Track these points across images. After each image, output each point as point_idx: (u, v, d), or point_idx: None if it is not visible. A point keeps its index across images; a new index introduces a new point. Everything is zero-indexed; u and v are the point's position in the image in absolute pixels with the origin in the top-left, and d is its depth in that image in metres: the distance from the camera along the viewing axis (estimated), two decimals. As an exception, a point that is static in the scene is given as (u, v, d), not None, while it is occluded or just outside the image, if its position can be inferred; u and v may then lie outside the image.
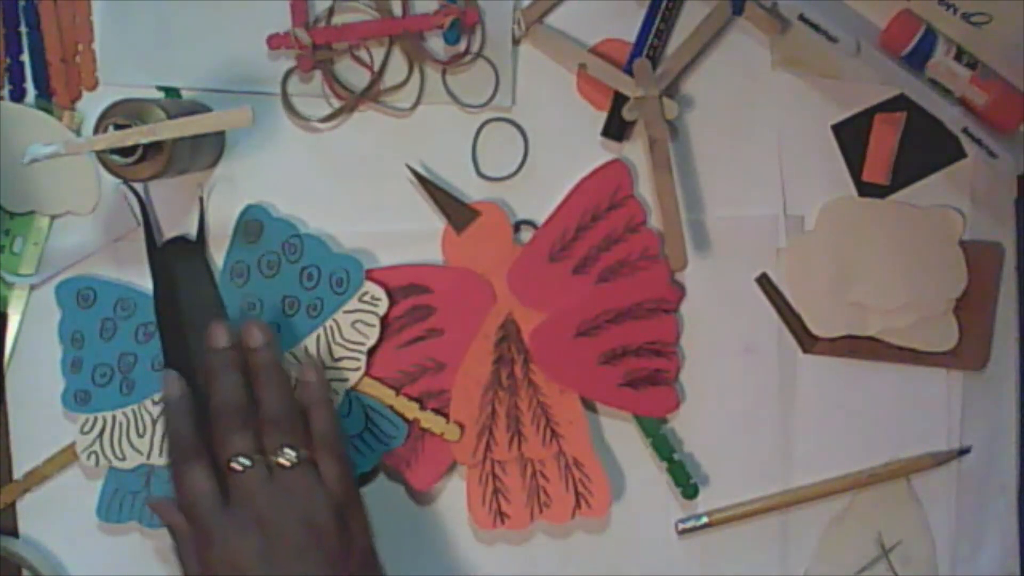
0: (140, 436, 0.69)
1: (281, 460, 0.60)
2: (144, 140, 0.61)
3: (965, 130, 0.62)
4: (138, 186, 0.69)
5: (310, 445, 0.61)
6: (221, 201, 0.69)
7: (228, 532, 0.59)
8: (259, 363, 0.62)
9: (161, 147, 0.63)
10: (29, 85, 0.69)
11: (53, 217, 0.70)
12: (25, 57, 0.69)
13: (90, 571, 0.71)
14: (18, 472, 0.71)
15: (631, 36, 0.67)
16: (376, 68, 0.67)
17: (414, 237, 0.68)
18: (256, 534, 0.58)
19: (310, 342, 0.68)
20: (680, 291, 0.68)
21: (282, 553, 0.58)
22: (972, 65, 0.63)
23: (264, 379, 0.62)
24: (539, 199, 0.68)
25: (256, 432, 0.61)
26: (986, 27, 0.62)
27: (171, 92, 0.69)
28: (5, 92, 0.69)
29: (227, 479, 0.60)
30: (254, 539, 0.58)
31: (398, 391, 0.68)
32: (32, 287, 0.70)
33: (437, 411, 0.68)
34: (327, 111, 0.68)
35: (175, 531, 0.61)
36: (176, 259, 0.69)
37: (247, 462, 0.59)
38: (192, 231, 0.69)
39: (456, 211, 0.68)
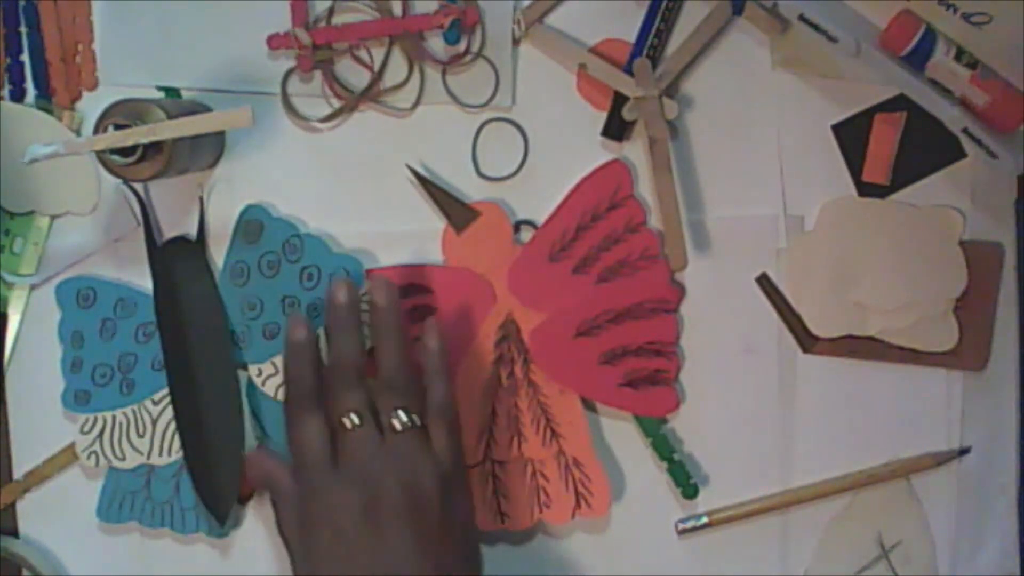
0: (140, 436, 0.69)
1: (394, 422, 0.60)
2: (144, 140, 0.61)
3: (965, 130, 0.62)
4: (138, 186, 0.69)
5: (424, 412, 0.61)
6: (221, 201, 0.69)
7: (332, 488, 0.59)
8: (381, 323, 0.62)
9: (161, 147, 0.63)
10: (29, 85, 0.69)
11: (53, 217, 0.70)
12: (25, 57, 0.69)
13: (90, 571, 0.71)
14: (18, 472, 0.71)
15: (631, 36, 0.67)
16: (376, 68, 0.67)
17: (414, 237, 0.68)
18: (359, 492, 0.58)
19: (310, 342, 0.68)
20: (680, 291, 0.68)
21: (383, 515, 0.58)
22: (972, 65, 0.63)
23: (385, 340, 0.62)
24: (539, 199, 0.68)
25: (371, 391, 0.61)
26: (986, 27, 0.62)
27: (171, 92, 0.69)
28: (5, 92, 0.69)
29: (337, 435, 0.60)
30: (357, 497, 0.58)
31: (398, 391, 0.68)
32: (32, 287, 0.70)
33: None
34: (327, 111, 0.68)
35: (277, 485, 0.61)
36: (176, 259, 0.69)
37: (358, 420, 0.59)
38: (192, 231, 0.69)
39: (456, 211, 0.68)
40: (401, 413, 0.60)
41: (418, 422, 0.60)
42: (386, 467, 0.59)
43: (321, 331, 0.65)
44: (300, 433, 0.60)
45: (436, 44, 0.68)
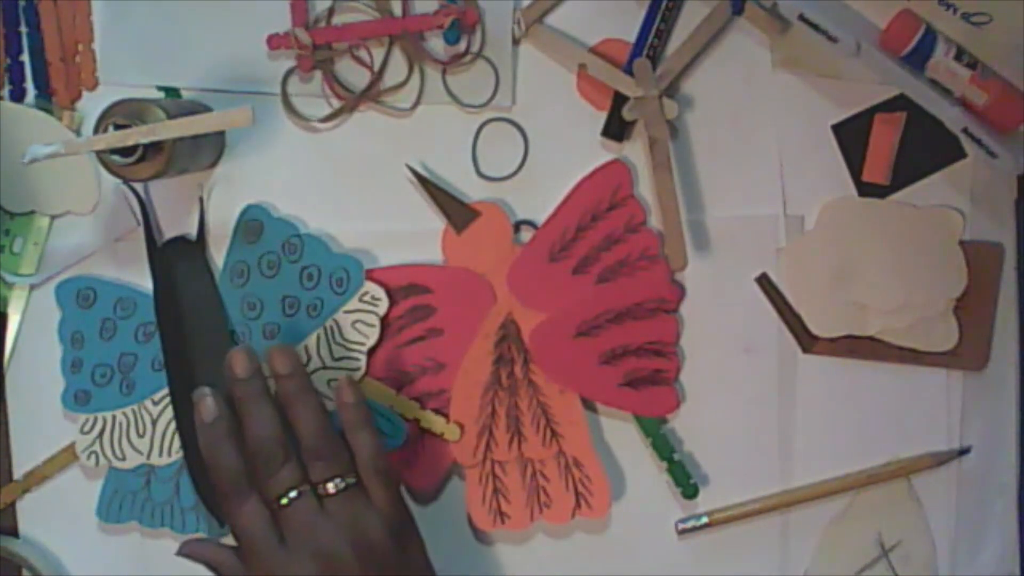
0: (140, 436, 0.69)
1: (330, 490, 0.60)
2: (144, 140, 0.61)
3: (965, 130, 0.62)
4: (138, 186, 0.69)
5: (355, 469, 0.61)
6: (221, 201, 0.69)
7: (285, 566, 0.58)
8: (290, 391, 0.61)
9: (161, 147, 0.63)
10: (29, 85, 0.69)
11: (53, 217, 0.70)
12: (25, 57, 0.69)
13: (90, 571, 0.71)
14: (18, 472, 0.71)
15: (631, 36, 0.67)
16: (376, 68, 0.67)
17: (414, 237, 0.68)
18: (313, 565, 0.58)
19: (310, 342, 0.68)
20: (680, 291, 0.68)
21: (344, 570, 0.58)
22: (972, 65, 0.63)
23: (298, 407, 0.61)
24: (539, 199, 0.68)
25: (299, 463, 0.60)
26: (986, 27, 0.62)
27: (171, 92, 0.69)
28: (5, 92, 0.69)
29: (277, 514, 0.59)
30: (312, 570, 0.58)
31: (398, 391, 0.68)
32: (32, 287, 0.70)
33: (437, 411, 0.68)
34: (327, 111, 0.68)
35: (223, 570, 0.61)
36: (176, 259, 0.69)
37: (295, 494, 0.59)
38: (192, 231, 0.69)
39: (456, 211, 0.68)
40: (335, 480, 0.60)
41: (353, 482, 0.60)
42: (333, 534, 0.58)
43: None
44: (240, 519, 0.59)
45: (436, 44, 0.68)
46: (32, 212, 0.70)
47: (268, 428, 0.60)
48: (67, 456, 0.70)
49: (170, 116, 0.62)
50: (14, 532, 0.71)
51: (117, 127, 0.61)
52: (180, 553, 0.63)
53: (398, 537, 0.60)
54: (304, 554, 0.58)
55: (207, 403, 0.61)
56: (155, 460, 0.69)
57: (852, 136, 0.68)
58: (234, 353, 0.61)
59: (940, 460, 0.68)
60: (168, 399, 0.68)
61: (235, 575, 0.60)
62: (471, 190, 0.69)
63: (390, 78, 0.68)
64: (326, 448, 0.60)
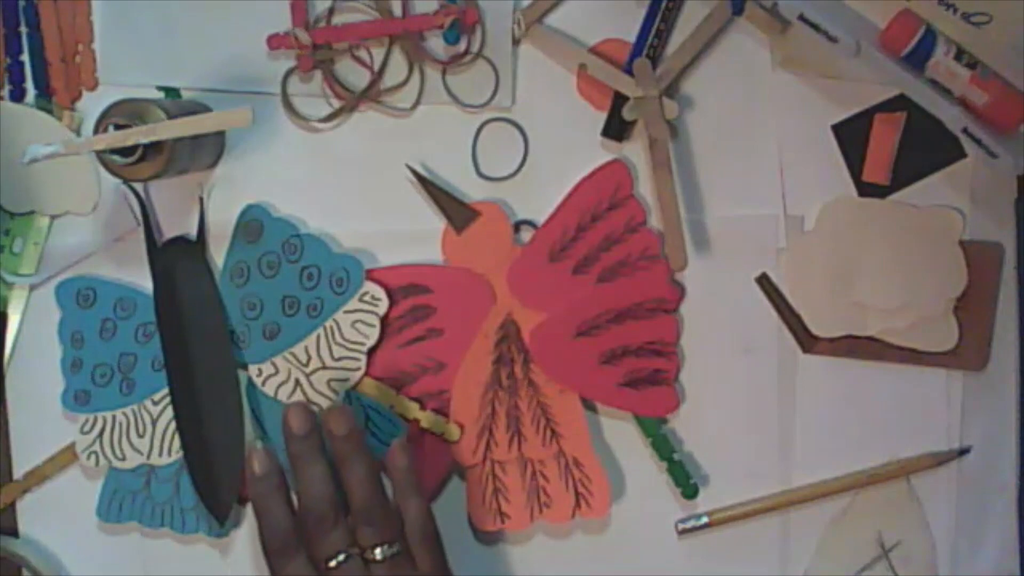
0: (140, 436, 0.69)
1: (377, 556, 0.59)
2: (144, 140, 0.61)
3: (965, 130, 0.62)
4: (138, 186, 0.69)
5: (403, 535, 0.60)
6: (221, 201, 0.69)
7: None
8: (344, 452, 0.61)
9: (161, 147, 0.63)
10: (29, 85, 0.69)
11: (53, 217, 0.70)
12: (25, 57, 0.69)
13: (90, 571, 0.71)
14: (18, 472, 0.71)
15: (631, 36, 0.67)
16: (376, 68, 0.67)
17: (414, 237, 0.68)
18: None
19: (310, 342, 0.68)
20: (680, 291, 0.68)
21: None
22: (972, 65, 0.63)
23: (351, 469, 0.61)
24: (539, 199, 0.68)
25: (348, 526, 0.60)
26: (986, 27, 0.62)
27: (171, 92, 0.69)
28: (5, 92, 0.69)
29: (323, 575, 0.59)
30: None
31: (398, 391, 0.68)
32: (32, 287, 0.70)
33: (437, 411, 0.68)
34: (327, 111, 0.68)
35: None
36: (176, 259, 0.69)
37: (343, 558, 0.59)
38: (192, 231, 0.69)
39: (456, 211, 0.68)
40: (383, 547, 0.59)
41: (400, 550, 0.60)
42: None
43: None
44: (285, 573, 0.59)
45: (436, 44, 0.68)
46: (32, 212, 0.70)
47: (321, 488, 0.60)
48: (67, 456, 0.70)
49: (170, 116, 0.62)
50: (14, 532, 0.71)
51: (117, 127, 0.61)
52: None
53: None
54: None
55: (259, 457, 0.61)
56: (155, 460, 0.69)
57: (852, 136, 0.68)
58: (291, 409, 0.61)
59: (940, 460, 0.68)
60: (168, 399, 0.68)
61: None
62: (471, 190, 0.69)
63: (390, 78, 0.68)
64: (377, 513, 0.60)
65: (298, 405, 0.62)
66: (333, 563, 0.59)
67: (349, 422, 0.61)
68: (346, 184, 0.69)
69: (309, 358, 0.68)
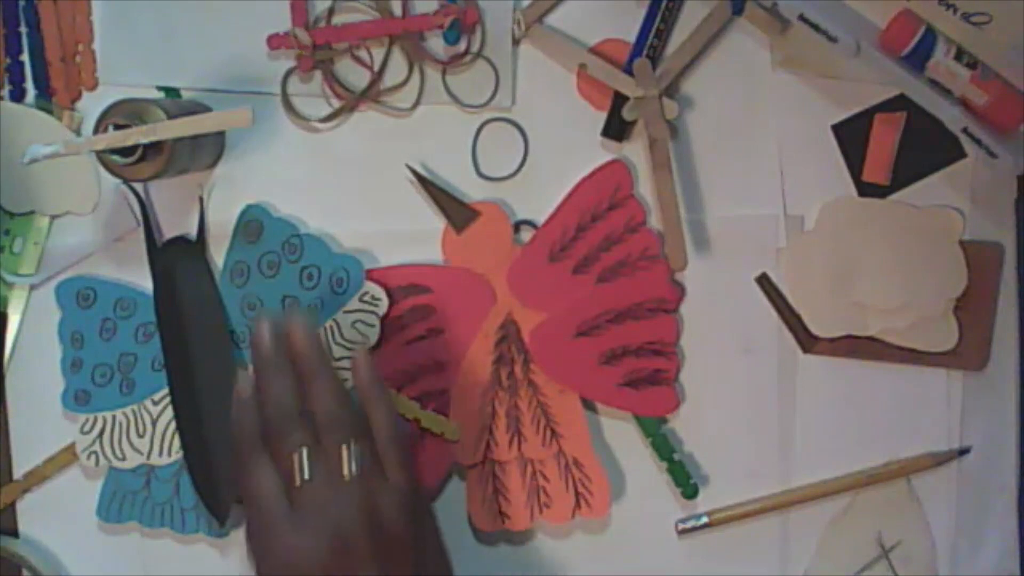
0: (140, 436, 0.69)
1: (343, 459, 0.57)
2: (144, 140, 0.61)
3: (965, 130, 0.62)
4: (138, 186, 0.69)
5: (371, 443, 0.59)
6: (221, 201, 0.69)
7: (293, 536, 0.56)
8: (306, 363, 0.60)
9: (161, 147, 0.63)
10: (29, 85, 0.69)
11: (53, 217, 0.70)
12: (25, 57, 0.69)
13: (90, 571, 0.71)
14: (18, 472, 0.71)
15: (631, 36, 0.67)
16: (376, 68, 0.67)
17: (414, 237, 0.68)
18: (324, 539, 0.55)
19: (310, 342, 0.68)
20: (680, 291, 0.68)
21: (352, 559, 0.55)
22: (972, 65, 0.63)
23: (315, 379, 0.59)
24: (539, 199, 0.68)
25: (314, 433, 0.58)
26: (986, 27, 0.62)
27: (171, 92, 0.69)
28: (5, 92, 0.69)
29: (291, 483, 0.57)
30: (322, 544, 0.55)
31: (398, 391, 0.68)
32: (32, 287, 0.70)
33: (437, 411, 0.68)
34: (327, 111, 0.68)
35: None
36: (176, 259, 0.69)
37: (306, 455, 0.57)
38: (192, 231, 0.69)
39: (456, 211, 0.68)
40: (349, 449, 0.57)
41: (367, 454, 0.58)
42: (347, 509, 0.56)
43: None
44: (251, 480, 0.57)
45: (436, 44, 0.68)
46: (32, 212, 0.70)
47: (285, 396, 0.59)
48: (67, 456, 0.70)
49: (170, 116, 0.62)
50: (14, 532, 0.71)
51: (117, 127, 0.61)
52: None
53: (412, 516, 0.58)
54: (314, 527, 0.56)
55: (246, 381, 0.60)
56: (155, 460, 0.69)
57: (852, 136, 0.68)
58: (258, 322, 0.60)
59: (940, 460, 0.68)
60: (168, 399, 0.68)
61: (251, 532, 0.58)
62: (471, 190, 0.69)
63: (390, 78, 0.68)
64: (341, 419, 0.58)
65: (265, 320, 0.60)
66: (296, 459, 0.57)
67: (310, 332, 0.60)
68: (346, 184, 0.69)
69: (309, 358, 0.68)
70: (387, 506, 0.57)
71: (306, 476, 0.57)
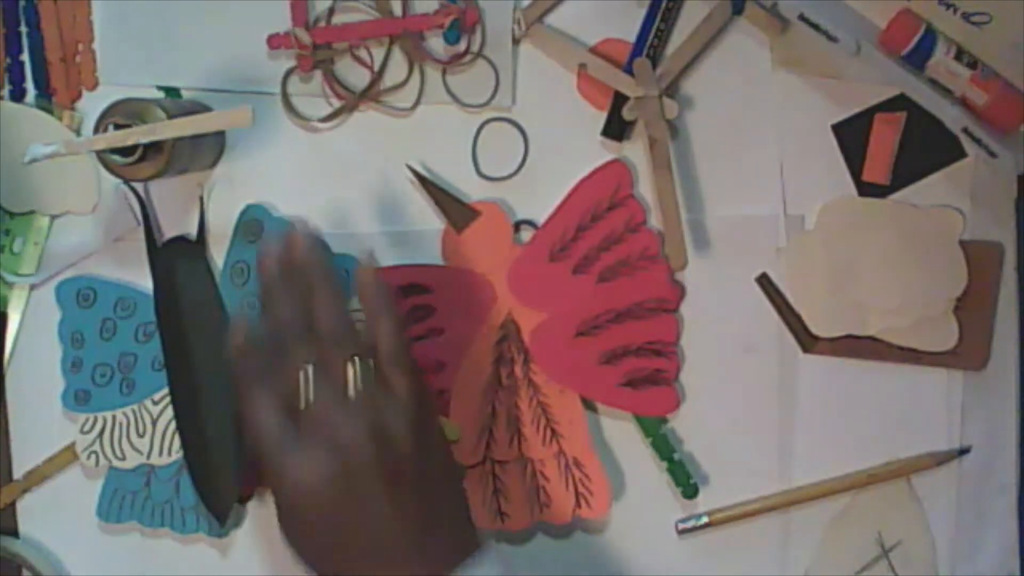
0: (140, 436, 0.69)
1: (349, 375, 0.56)
2: (144, 140, 0.61)
3: (965, 130, 0.62)
4: (138, 186, 0.69)
5: (376, 357, 0.57)
6: (221, 201, 0.69)
7: (299, 461, 0.54)
8: (309, 276, 0.58)
9: (161, 147, 0.63)
10: (29, 85, 0.69)
11: (53, 217, 0.70)
12: (25, 57, 0.69)
13: (90, 571, 0.71)
14: (18, 472, 0.71)
15: (631, 36, 0.67)
16: (376, 68, 0.67)
17: (414, 237, 0.68)
18: (332, 461, 0.54)
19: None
20: (680, 291, 0.68)
21: (360, 480, 0.54)
22: (972, 65, 0.63)
23: (317, 293, 0.58)
24: (539, 199, 0.68)
25: (319, 350, 0.57)
26: (986, 27, 0.62)
27: (171, 92, 0.69)
28: (5, 92, 0.69)
29: (295, 407, 0.56)
30: (329, 465, 0.54)
31: (398, 391, 0.68)
32: (32, 287, 0.70)
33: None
34: (327, 111, 0.68)
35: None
36: (176, 259, 0.69)
37: (311, 373, 0.56)
38: (192, 231, 0.69)
39: (456, 211, 0.68)
40: (353, 363, 0.56)
41: (372, 369, 0.56)
42: (353, 428, 0.55)
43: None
44: (253, 412, 0.56)
45: (436, 44, 0.68)
46: (32, 212, 0.70)
47: (288, 311, 0.58)
48: (67, 456, 0.70)
49: (170, 116, 0.62)
50: (14, 532, 0.71)
51: (117, 127, 0.61)
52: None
53: (419, 432, 0.56)
54: (320, 450, 0.54)
55: (242, 327, 0.59)
56: (155, 460, 0.69)
57: (852, 136, 0.68)
58: (264, 242, 0.59)
59: (940, 460, 0.68)
60: (168, 399, 0.68)
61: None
62: (471, 190, 0.69)
63: (390, 78, 0.68)
64: (345, 334, 0.57)
65: (270, 240, 0.60)
66: (303, 377, 0.56)
67: (314, 249, 0.59)
68: (346, 184, 0.69)
69: (309, 358, 0.68)
70: (393, 423, 0.56)
71: (311, 397, 0.56)
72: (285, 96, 0.68)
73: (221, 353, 0.68)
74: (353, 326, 0.58)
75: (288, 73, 0.68)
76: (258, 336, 0.58)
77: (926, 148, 0.67)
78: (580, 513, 0.68)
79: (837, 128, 0.68)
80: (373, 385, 0.56)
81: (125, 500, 0.70)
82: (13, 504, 0.71)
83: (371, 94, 0.68)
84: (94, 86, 0.69)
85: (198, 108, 0.67)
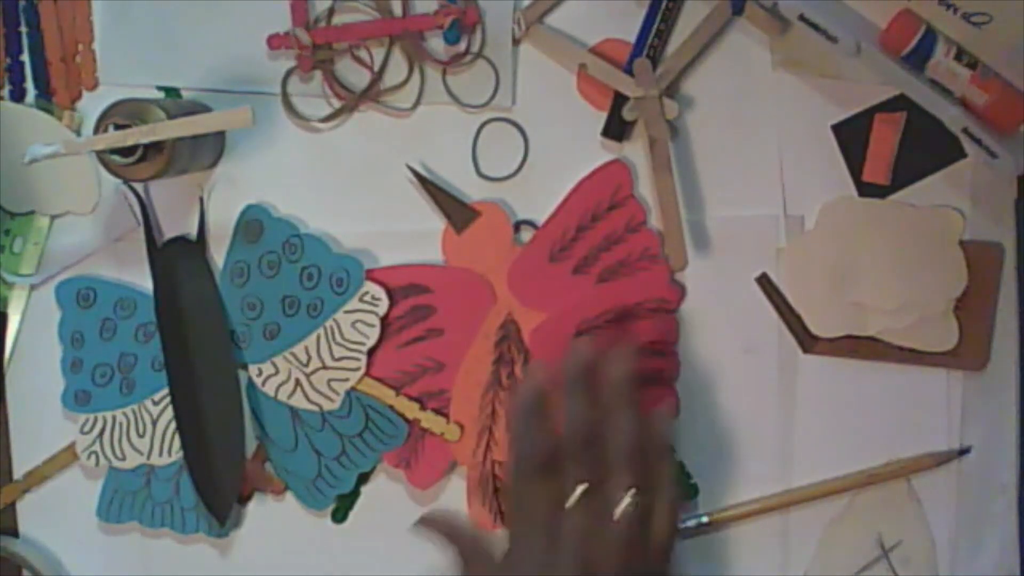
0: (140, 436, 0.69)
1: (621, 504, 0.56)
2: (144, 140, 0.61)
3: (965, 130, 0.62)
4: (138, 186, 0.69)
5: (652, 495, 0.57)
6: (221, 201, 0.69)
7: (544, 560, 0.55)
8: (616, 395, 0.58)
9: (161, 147, 0.63)
10: (29, 85, 0.69)
11: (53, 217, 0.70)
12: (25, 57, 0.69)
13: (90, 571, 0.71)
14: (18, 472, 0.71)
15: (631, 36, 0.67)
16: (376, 68, 0.67)
17: (414, 237, 0.68)
18: (574, 566, 0.55)
19: (310, 342, 0.68)
20: (680, 291, 0.68)
21: None
22: (972, 65, 0.63)
23: (620, 413, 0.58)
24: (539, 199, 0.68)
25: (599, 467, 0.57)
26: (986, 27, 0.62)
27: (171, 92, 0.69)
28: (5, 92, 0.69)
29: (560, 506, 0.56)
30: (570, 570, 0.55)
31: (398, 391, 0.68)
32: (32, 287, 0.70)
33: (437, 411, 0.68)
34: (327, 111, 0.68)
35: (461, 548, 0.59)
36: (176, 259, 0.69)
37: (582, 491, 0.56)
38: (192, 231, 0.69)
39: (456, 211, 0.68)
40: (631, 493, 0.56)
41: (642, 503, 0.56)
42: (604, 545, 0.55)
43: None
44: (525, 497, 0.57)
45: (436, 44, 0.68)
46: (32, 212, 0.70)
47: (583, 419, 0.57)
48: (67, 456, 0.70)
49: (170, 116, 0.62)
50: (14, 532, 0.71)
51: (117, 127, 0.61)
52: (418, 524, 0.60)
53: (664, 571, 0.57)
54: (567, 552, 0.55)
55: (532, 387, 0.59)
56: (155, 460, 0.69)
57: (852, 136, 0.68)
58: (579, 342, 0.59)
59: (940, 460, 0.68)
60: (168, 399, 0.68)
61: (476, 558, 0.57)
62: (471, 190, 0.69)
63: (390, 78, 0.68)
64: (634, 459, 0.57)
65: (584, 342, 0.59)
66: (574, 497, 0.56)
67: (628, 367, 0.59)
68: (346, 184, 0.69)
69: (309, 358, 0.68)
70: (642, 562, 0.56)
71: (575, 509, 0.56)
72: (285, 96, 0.68)
73: (221, 353, 0.68)
74: (641, 455, 0.57)
75: (288, 73, 0.68)
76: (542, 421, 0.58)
77: (926, 148, 0.67)
78: (580, 513, 0.68)
79: (837, 128, 0.68)
80: (637, 519, 0.56)
81: (125, 500, 0.70)
82: (13, 504, 0.71)
83: (371, 94, 0.68)
84: (94, 86, 0.69)
85: (198, 108, 0.67)
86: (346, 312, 0.67)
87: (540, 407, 0.58)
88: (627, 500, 0.56)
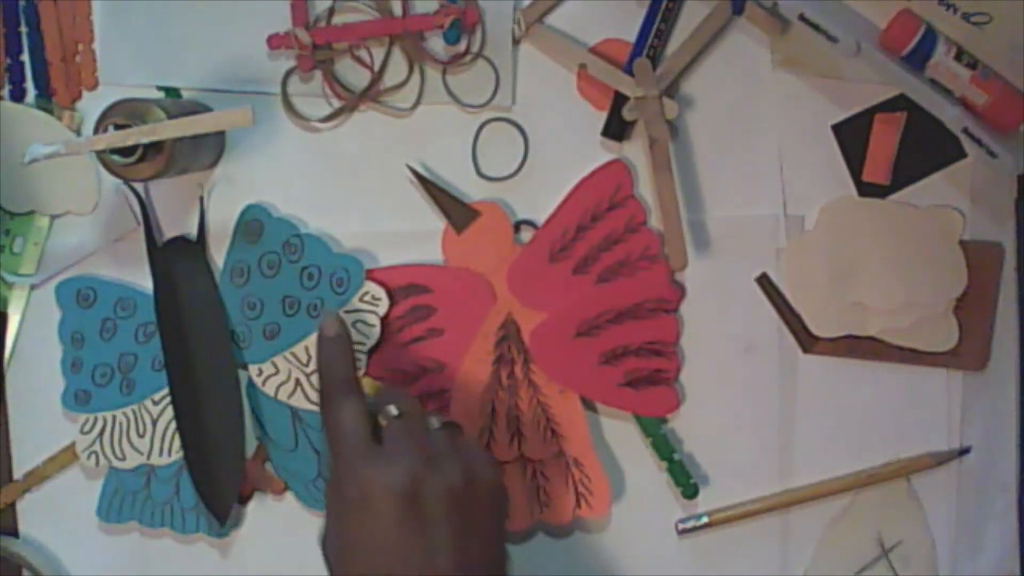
0: (140, 436, 0.69)
1: (434, 424, 0.58)
2: (144, 140, 0.61)
3: (965, 130, 0.62)
4: (138, 186, 0.69)
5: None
6: (221, 201, 0.69)
7: (373, 466, 0.53)
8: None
9: (161, 147, 0.63)
10: (29, 85, 0.69)
11: (53, 217, 0.70)
12: (25, 57, 0.69)
13: (90, 571, 0.71)
14: (18, 472, 0.71)
15: (631, 36, 0.67)
16: (376, 68, 0.67)
17: (414, 237, 0.68)
18: (402, 473, 0.53)
19: (310, 342, 0.68)
20: (680, 291, 0.68)
21: (436, 504, 0.53)
22: (972, 65, 0.63)
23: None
24: (539, 199, 0.68)
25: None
26: (986, 27, 0.62)
27: (171, 92, 0.69)
28: (5, 92, 0.69)
29: (380, 425, 0.56)
30: (399, 478, 0.53)
31: (398, 391, 0.68)
32: (32, 287, 0.70)
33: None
34: (327, 111, 0.68)
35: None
36: (176, 259, 0.69)
37: (396, 412, 0.56)
38: (192, 231, 0.69)
39: (456, 211, 0.68)
40: (437, 418, 0.58)
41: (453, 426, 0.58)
42: (432, 449, 0.55)
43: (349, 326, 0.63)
44: (341, 413, 0.56)
45: (436, 44, 0.68)
46: (32, 212, 0.70)
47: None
48: (67, 456, 0.70)
49: (170, 116, 0.62)
50: (14, 532, 0.71)
51: (117, 127, 0.61)
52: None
53: (502, 487, 0.57)
54: (394, 462, 0.53)
55: (333, 321, 0.60)
56: (155, 460, 0.69)
57: (852, 136, 0.68)
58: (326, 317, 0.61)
59: (940, 460, 0.68)
60: (168, 399, 0.68)
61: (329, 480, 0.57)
62: (471, 190, 0.69)
63: (390, 78, 0.68)
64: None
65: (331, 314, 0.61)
66: (391, 409, 0.57)
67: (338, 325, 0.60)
68: (346, 184, 0.69)
69: (309, 358, 0.68)
70: (482, 467, 0.56)
71: (398, 422, 0.56)
72: (285, 96, 0.68)
73: (221, 353, 0.68)
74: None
75: (288, 73, 0.68)
76: (348, 333, 0.59)
77: (926, 148, 0.67)
78: (580, 513, 0.68)
79: (837, 128, 0.68)
80: (459, 431, 0.58)
81: (125, 500, 0.70)
82: (13, 504, 0.71)
83: (371, 94, 0.68)
84: (94, 86, 0.69)
85: (198, 108, 0.67)
86: (346, 312, 0.67)
87: (340, 340, 0.59)
88: (435, 420, 0.57)
